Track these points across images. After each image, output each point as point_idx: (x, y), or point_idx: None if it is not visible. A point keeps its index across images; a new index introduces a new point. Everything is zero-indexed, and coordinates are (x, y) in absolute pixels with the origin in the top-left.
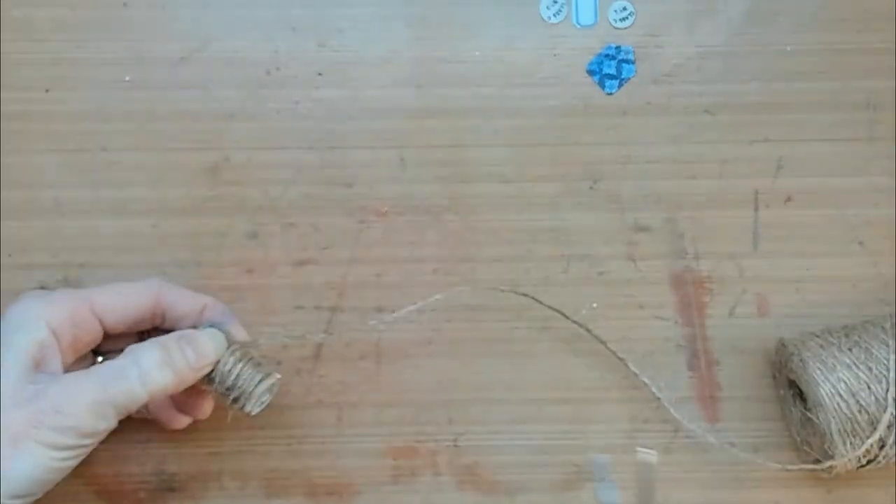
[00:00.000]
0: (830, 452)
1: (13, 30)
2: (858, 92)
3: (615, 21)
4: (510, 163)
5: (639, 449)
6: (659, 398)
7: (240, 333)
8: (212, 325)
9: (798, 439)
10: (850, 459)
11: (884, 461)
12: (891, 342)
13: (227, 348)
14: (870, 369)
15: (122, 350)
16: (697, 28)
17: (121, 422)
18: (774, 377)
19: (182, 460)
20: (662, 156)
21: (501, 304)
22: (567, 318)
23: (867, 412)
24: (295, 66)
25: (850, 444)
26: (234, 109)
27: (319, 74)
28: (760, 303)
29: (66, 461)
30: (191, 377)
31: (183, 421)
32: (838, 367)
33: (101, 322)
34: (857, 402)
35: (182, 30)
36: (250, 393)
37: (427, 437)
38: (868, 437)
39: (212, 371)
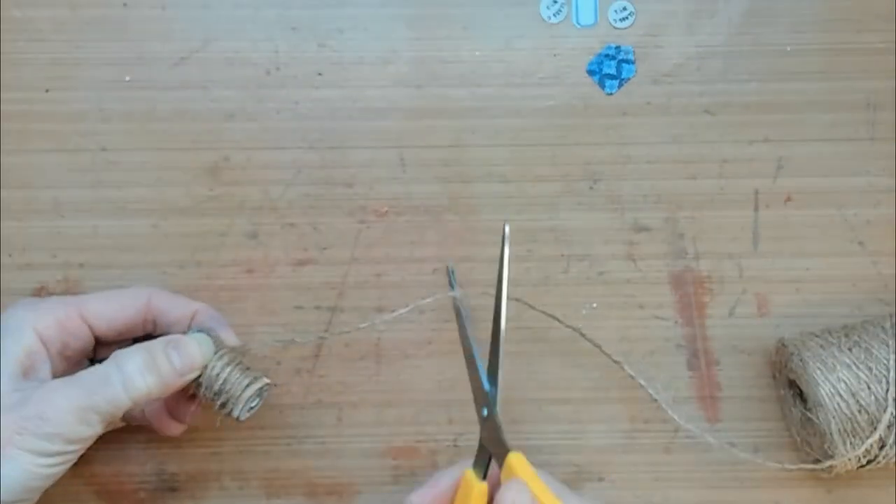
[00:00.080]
0: (830, 452)
1: (13, 30)
2: (858, 92)
3: (615, 21)
4: (510, 163)
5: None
6: (656, 399)
7: (230, 338)
8: (200, 330)
9: (798, 439)
10: (850, 459)
11: (884, 461)
12: (891, 342)
13: (216, 353)
14: (870, 369)
15: None
16: (697, 28)
17: (121, 422)
18: (774, 377)
19: (182, 460)
20: (662, 156)
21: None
22: (561, 322)
23: (867, 412)
24: (295, 66)
25: (850, 444)
26: (234, 109)
27: (319, 74)
28: (760, 303)
29: (52, 468)
30: (177, 382)
31: (177, 428)
32: (838, 367)
33: (91, 329)
34: (857, 402)
35: (182, 30)
36: (238, 397)
37: (427, 437)
38: (868, 437)
39: (199, 376)
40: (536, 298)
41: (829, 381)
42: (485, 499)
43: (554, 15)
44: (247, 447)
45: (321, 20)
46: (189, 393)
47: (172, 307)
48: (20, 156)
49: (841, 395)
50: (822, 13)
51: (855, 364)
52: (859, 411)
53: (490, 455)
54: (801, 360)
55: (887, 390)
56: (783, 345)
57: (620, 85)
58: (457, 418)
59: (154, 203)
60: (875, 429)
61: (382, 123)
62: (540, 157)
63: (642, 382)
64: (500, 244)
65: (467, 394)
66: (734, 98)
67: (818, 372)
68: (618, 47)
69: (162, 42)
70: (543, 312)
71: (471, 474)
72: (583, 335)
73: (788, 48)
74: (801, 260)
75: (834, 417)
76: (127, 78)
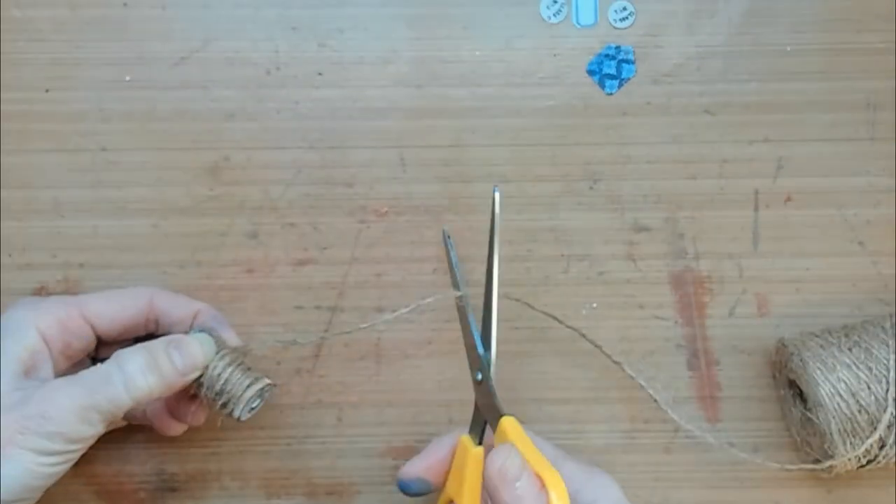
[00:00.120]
0: (830, 452)
1: (13, 30)
2: (858, 92)
3: (615, 21)
4: (510, 163)
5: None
6: (656, 400)
7: (232, 339)
8: (202, 330)
9: (798, 439)
10: (850, 459)
11: (884, 461)
12: (891, 342)
13: (217, 353)
14: (870, 369)
15: None
16: (697, 28)
17: (122, 421)
18: (774, 377)
19: (182, 460)
20: (662, 156)
21: (501, 305)
22: (560, 322)
23: (867, 412)
24: (295, 66)
25: (850, 444)
26: (234, 109)
27: (319, 74)
28: (760, 303)
29: (53, 467)
30: (178, 382)
31: (178, 428)
32: (838, 367)
33: (93, 328)
34: (857, 402)
35: (182, 30)
36: (239, 398)
37: (427, 437)
38: (868, 437)
39: (201, 376)
40: (536, 298)
41: (829, 381)
42: (481, 463)
43: (554, 15)
44: (247, 447)
45: (321, 20)
46: (190, 393)
47: (174, 307)
48: (20, 156)
49: (841, 395)
50: (822, 13)
51: (855, 364)
52: (859, 411)
53: (485, 420)
54: (801, 360)
55: (887, 390)
56: (783, 345)
57: (620, 85)
58: (457, 418)
59: (154, 203)
60: (875, 429)
61: (382, 123)
62: (540, 157)
63: (642, 383)
64: (491, 209)
65: (467, 394)
66: (734, 98)
67: (818, 372)
68: (618, 47)
69: (162, 42)
70: (543, 312)
71: (466, 439)
72: (583, 335)
73: (788, 48)
74: (801, 260)
75: (834, 417)
76: (127, 78)
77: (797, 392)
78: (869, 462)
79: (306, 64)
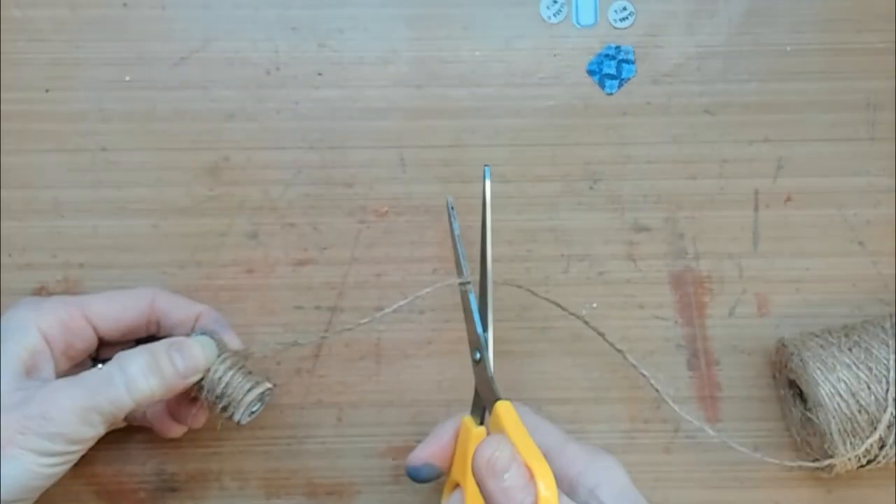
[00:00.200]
0: (830, 452)
1: (13, 30)
2: (858, 92)
3: (615, 21)
4: (510, 163)
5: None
6: (657, 390)
7: (233, 342)
8: (204, 333)
9: (798, 439)
10: (850, 459)
11: (884, 461)
12: (891, 342)
13: (219, 356)
14: (870, 369)
15: None
16: (697, 28)
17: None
18: (774, 377)
19: (182, 460)
20: (662, 156)
21: (501, 304)
22: (565, 309)
23: (867, 412)
24: (295, 66)
25: (850, 443)
26: (233, 109)
27: (319, 74)
28: (760, 303)
29: (53, 468)
30: (180, 384)
31: (178, 430)
32: (838, 367)
33: (94, 329)
34: (857, 402)
35: (182, 30)
36: (239, 402)
37: None
38: (868, 437)
39: (202, 379)
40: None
41: (829, 381)
42: None
43: (554, 15)
44: (247, 447)
45: (321, 20)
46: (191, 395)
47: (176, 309)
48: (20, 156)
49: (841, 395)
50: (822, 13)
51: (855, 364)
52: (859, 411)
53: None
54: (801, 360)
55: (887, 390)
56: (783, 345)
57: (620, 85)
58: None
59: (154, 203)
60: (875, 429)
61: (382, 123)
62: (540, 157)
63: (644, 373)
64: (482, 187)
65: (467, 394)
66: (734, 98)
67: (818, 372)
68: (618, 47)
69: (162, 42)
70: (547, 299)
71: (469, 420)
72: (587, 322)
73: (788, 48)
74: (801, 260)
75: (834, 417)
76: (127, 78)
77: (797, 392)
78: (869, 462)
79: (306, 64)
